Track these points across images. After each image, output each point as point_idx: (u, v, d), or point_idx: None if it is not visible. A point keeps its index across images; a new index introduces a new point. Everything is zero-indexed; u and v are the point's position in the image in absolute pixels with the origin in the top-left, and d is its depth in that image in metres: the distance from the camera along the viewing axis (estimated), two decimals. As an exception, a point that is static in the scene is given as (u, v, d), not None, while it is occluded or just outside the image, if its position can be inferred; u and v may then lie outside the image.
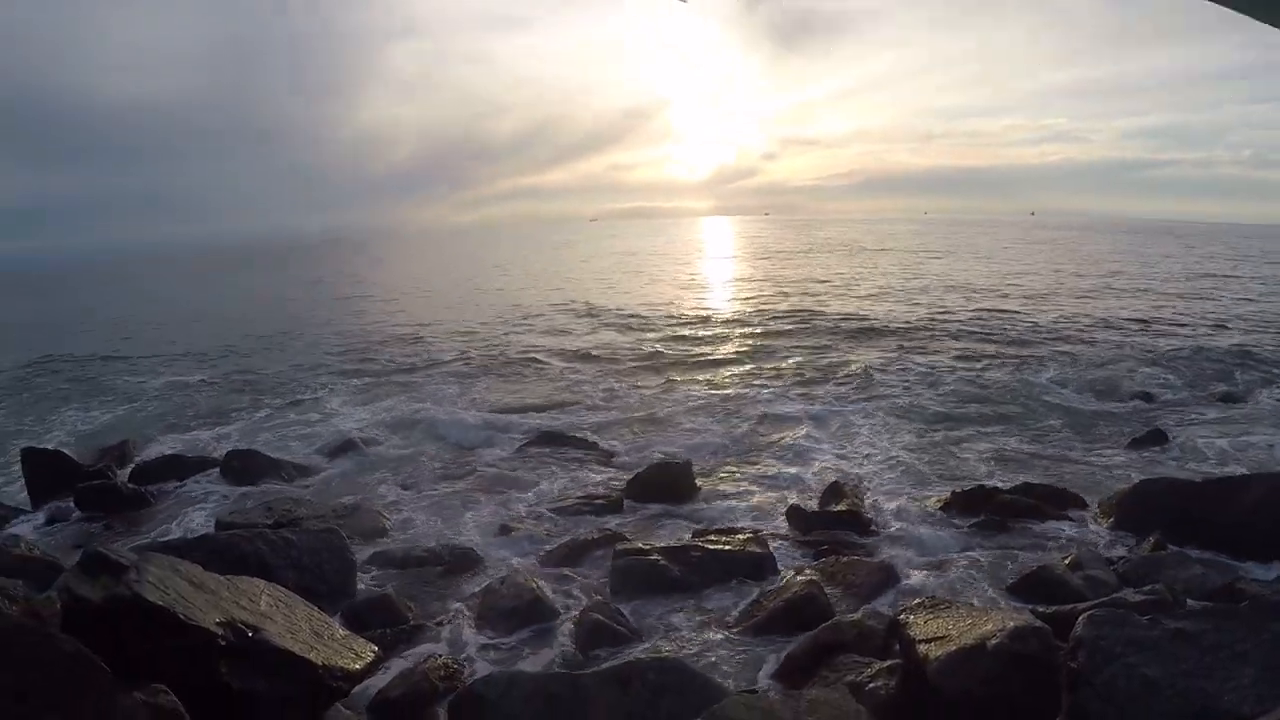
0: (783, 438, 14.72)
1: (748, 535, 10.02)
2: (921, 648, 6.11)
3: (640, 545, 9.74)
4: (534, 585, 8.71)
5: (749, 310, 32.84)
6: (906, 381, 18.98)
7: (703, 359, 22.84)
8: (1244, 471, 11.79)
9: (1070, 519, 10.71)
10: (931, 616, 6.62)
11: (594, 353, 24.19)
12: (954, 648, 5.88)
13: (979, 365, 20.60)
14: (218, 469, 13.78)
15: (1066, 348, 22.43)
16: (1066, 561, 8.95)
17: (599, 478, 13.04)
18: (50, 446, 14.66)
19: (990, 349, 22.62)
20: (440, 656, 7.53)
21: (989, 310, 30.30)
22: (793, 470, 13.01)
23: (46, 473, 13.37)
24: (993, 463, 13.31)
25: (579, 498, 11.97)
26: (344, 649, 6.68)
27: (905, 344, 23.71)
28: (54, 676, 4.32)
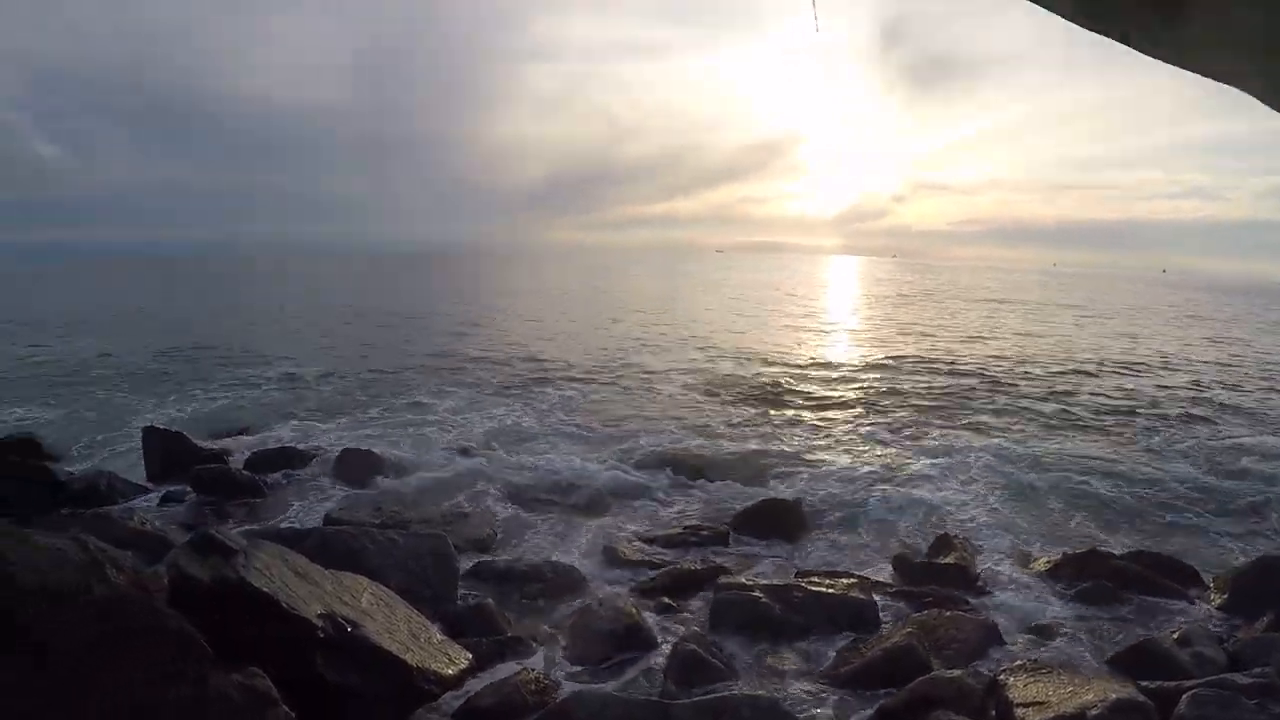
0: (896, 484, 14.28)
1: (852, 580, 9.74)
2: (1019, 712, 5.97)
3: (743, 581, 9.55)
4: (632, 610, 8.60)
5: (873, 352, 32.07)
6: (1027, 437, 18.22)
7: (823, 399, 22.20)
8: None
9: (1182, 592, 10.09)
10: (1032, 680, 6.42)
11: (713, 384, 23.87)
12: (1052, 715, 5.71)
13: (1102, 425, 19.65)
14: (331, 463, 14.06)
15: (1195, 412, 21.23)
16: (1175, 636, 8.45)
17: (707, 509, 12.83)
18: (171, 429, 15.14)
19: (1113, 409, 21.53)
20: (533, 671, 7.45)
21: (1117, 367, 29.00)
22: (903, 517, 12.59)
23: (165, 453, 13.94)
24: (1106, 527, 12.60)
25: (686, 527, 11.79)
26: (439, 653, 6.69)
27: (1026, 399, 22.77)
28: (155, 649, 4.38)
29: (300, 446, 15.25)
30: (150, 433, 14.44)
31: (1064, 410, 21.10)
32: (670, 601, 9.37)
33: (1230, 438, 18.46)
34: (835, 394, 22.93)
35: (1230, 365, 30.65)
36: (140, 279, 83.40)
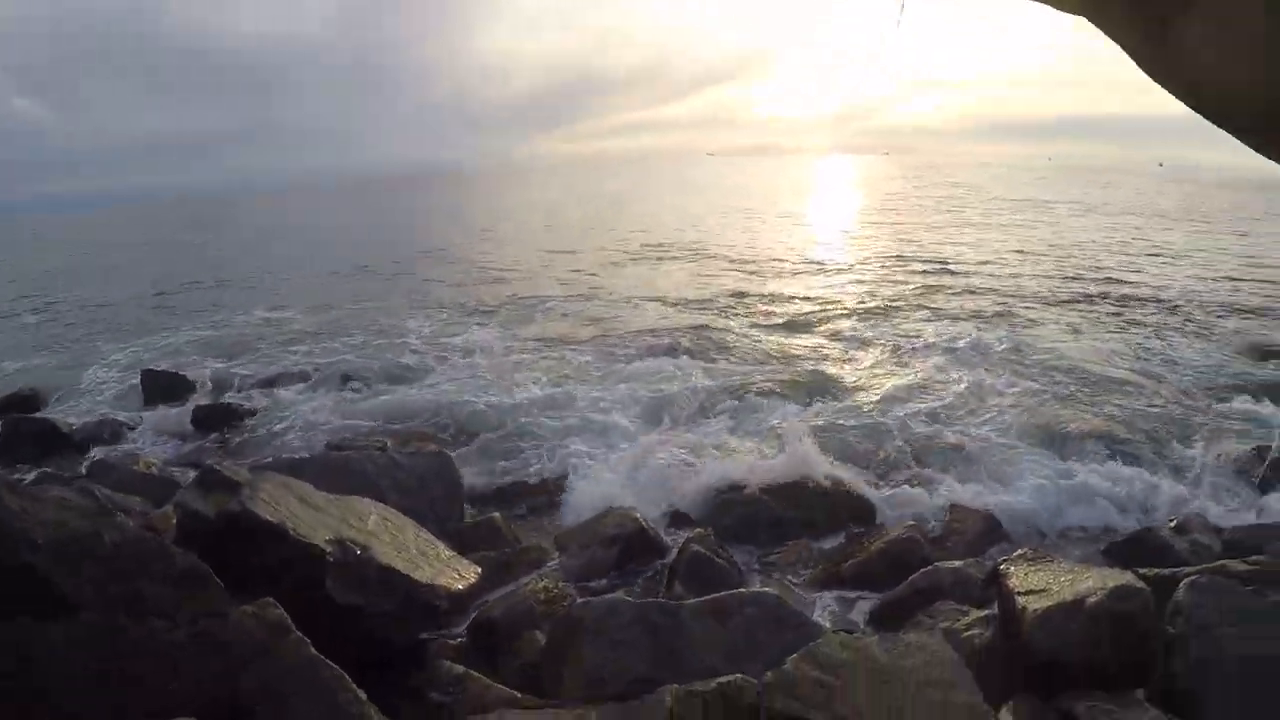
0: (896, 382, 14.35)
1: (852, 480, 9.89)
2: (1020, 600, 5.97)
3: (745, 483, 9.69)
4: (636, 516, 8.73)
5: (867, 255, 31.55)
6: (1025, 340, 17.97)
7: (826, 307, 21.81)
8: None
9: (1182, 480, 10.24)
10: (1033, 569, 6.50)
11: (716, 296, 23.59)
12: (1052, 602, 5.71)
13: (1111, 323, 19.28)
14: (326, 383, 14.31)
15: (1194, 312, 20.77)
16: (1172, 524, 8.62)
17: (711, 413, 12.91)
18: (168, 368, 15.31)
19: (1115, 309, 21.03)
20: (542, 580, 7.60)
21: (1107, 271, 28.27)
22: (896, 415, 12.66)
23: (165, 390, 14.13)
24: (1110, 424, 12.58)
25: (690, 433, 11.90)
26: (448, 569, 6.79)
27: (1024, 299, 22.40)
28: (169, 588, 4.47)
29: (292, 371, 15.38)
30: (149, 374, 14.64)
31: (1070, 313, 20.67)
32: (678, 507, 9.53)
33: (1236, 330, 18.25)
34: (840, 302, 22.53)
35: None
36: (126, 229, 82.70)
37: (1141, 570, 6.77)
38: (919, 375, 14.73)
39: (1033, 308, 20.58)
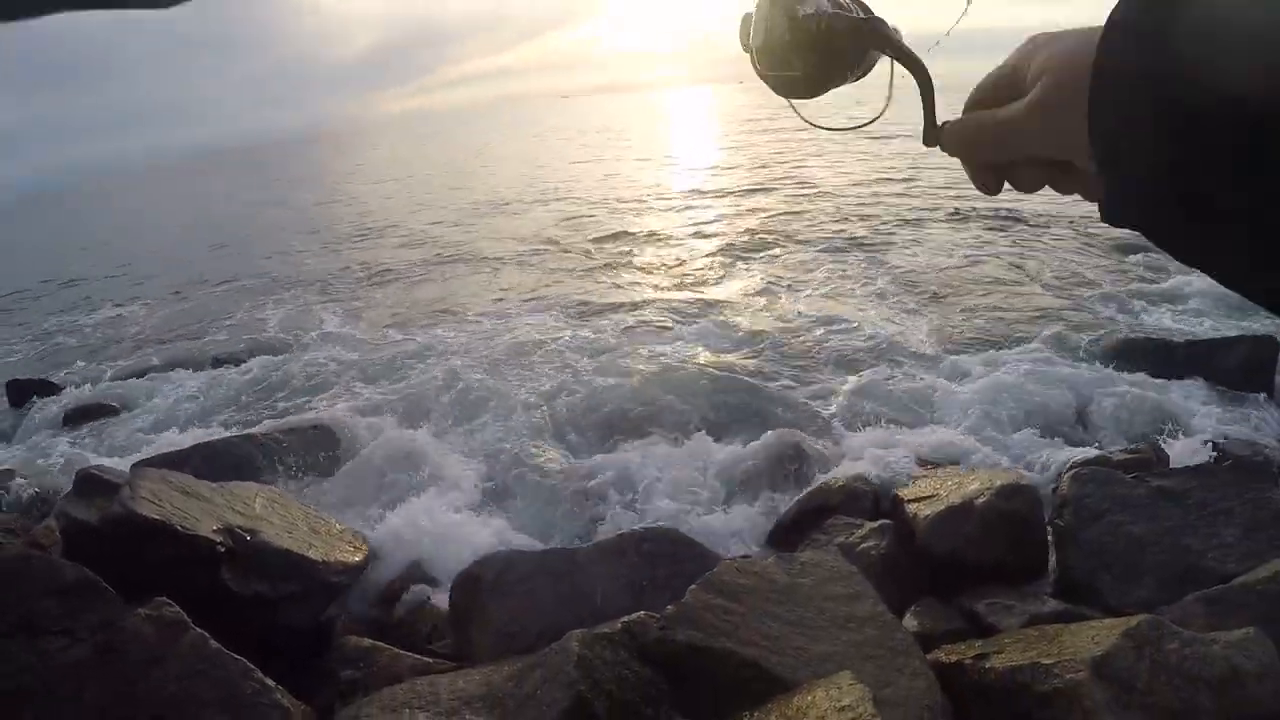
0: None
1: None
2: (910, 507, 6.27)
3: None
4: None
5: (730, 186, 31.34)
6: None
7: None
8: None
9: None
10: (920, 477, 6.78)
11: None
12: (942, 507, 6.00)
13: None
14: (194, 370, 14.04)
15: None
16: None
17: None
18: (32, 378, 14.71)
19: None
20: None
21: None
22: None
23: (29, 398, 13.63)
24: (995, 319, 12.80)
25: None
26: (341, 542, 6.76)
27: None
28: (60, 603, 4.36)
29: (160, 366, 14.94)
30: (13, 384, 14.09)
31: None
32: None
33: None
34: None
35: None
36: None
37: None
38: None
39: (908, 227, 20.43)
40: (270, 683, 4.55)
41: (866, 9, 1.04)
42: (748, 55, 1.09)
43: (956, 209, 21.14)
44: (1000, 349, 11.39)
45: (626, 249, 20.83)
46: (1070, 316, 12.47)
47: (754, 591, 4.57)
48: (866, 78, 1.09)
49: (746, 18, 1.08)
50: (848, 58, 1.04)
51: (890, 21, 1.02)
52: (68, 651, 4.22)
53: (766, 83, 1.11)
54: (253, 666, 4.60)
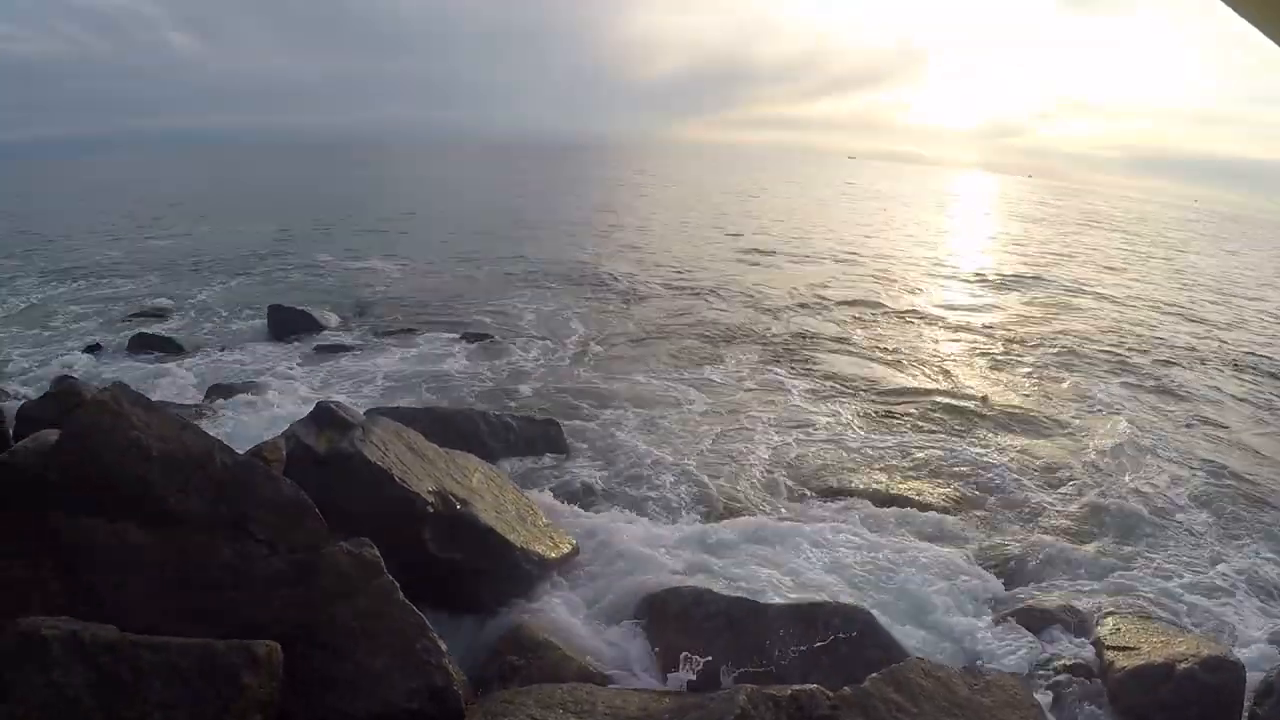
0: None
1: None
2: (1109, 654, 5.94)
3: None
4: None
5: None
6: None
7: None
8: None
9: None
10: (1126, 625, 6.33)
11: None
12: (1142, 662, 5.67)
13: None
14: (456, 335, 15.15)
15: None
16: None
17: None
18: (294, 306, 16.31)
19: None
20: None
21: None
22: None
23: (288, 326, 15.23)
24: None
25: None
26: (544, 536, 6.85)
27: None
28: (272, 514, 4.59)
29: (420, 324, 15.90)
30: (275, 309, 15.55)
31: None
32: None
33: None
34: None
35: None
36: (266, 165, 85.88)
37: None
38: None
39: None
40: (442, 645, 4.63)
41: None
42: None
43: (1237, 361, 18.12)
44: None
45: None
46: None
47: (933, 697, 4.33)
48: None
49: None
50: None
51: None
52: (268, 560, 4.44)
53: None
54: (429, 625, 4.70)
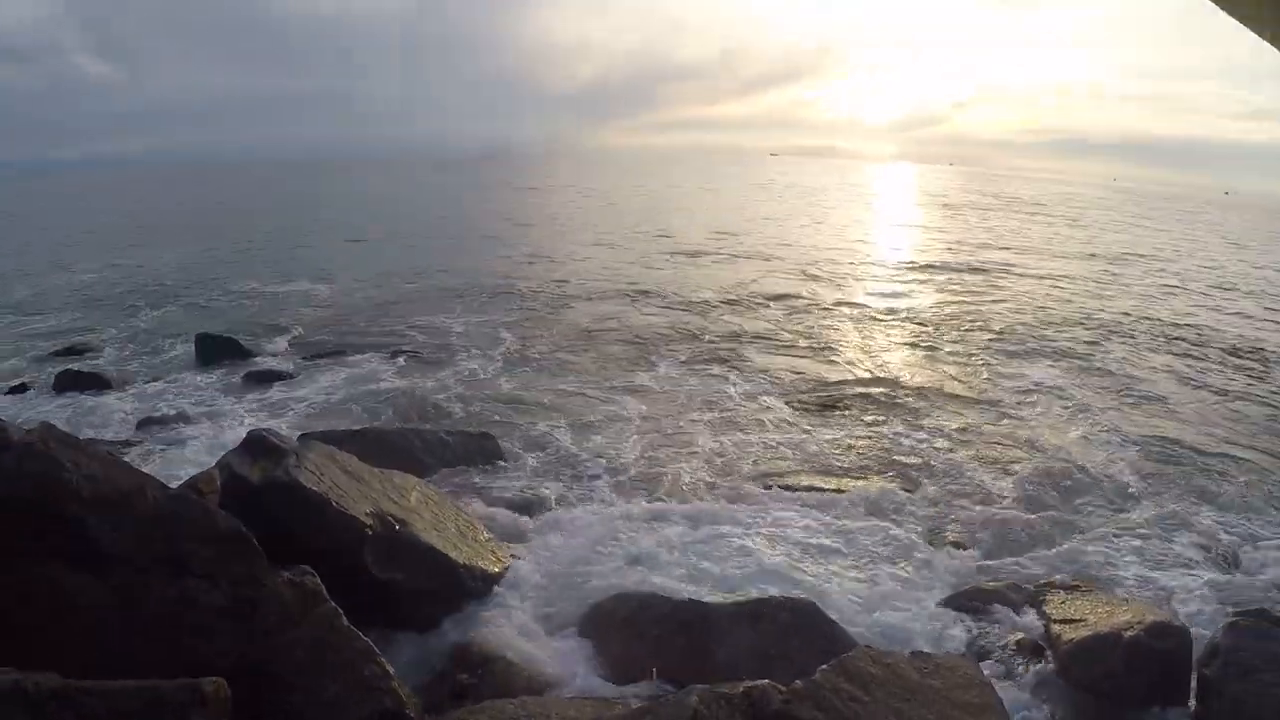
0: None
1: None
2: (1056, 628, 6.08)
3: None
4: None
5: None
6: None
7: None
8: None
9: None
10: (1070, 598, 6.47)
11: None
12: (1089, 633, 5.81)
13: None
14: (386, 353, 15.01)
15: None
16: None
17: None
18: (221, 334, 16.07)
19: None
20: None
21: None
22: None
23: (217, 354, 15.01)
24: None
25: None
26: (486, 552, 6.87)
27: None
28: (209, 547, 4.56)
29: (352, 343, 15.82)
30: (202, 337, 15.39)
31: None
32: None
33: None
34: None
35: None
36: (185, 187, 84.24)
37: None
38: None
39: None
40: (389, 669, 4.62)
41: None
42: None
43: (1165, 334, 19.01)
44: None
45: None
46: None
47: (884, 684, 4.41)
48: None
49: None
50: None
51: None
52: (209, 595, 4.40)
53: None
54: (376, 650, 4.69)
